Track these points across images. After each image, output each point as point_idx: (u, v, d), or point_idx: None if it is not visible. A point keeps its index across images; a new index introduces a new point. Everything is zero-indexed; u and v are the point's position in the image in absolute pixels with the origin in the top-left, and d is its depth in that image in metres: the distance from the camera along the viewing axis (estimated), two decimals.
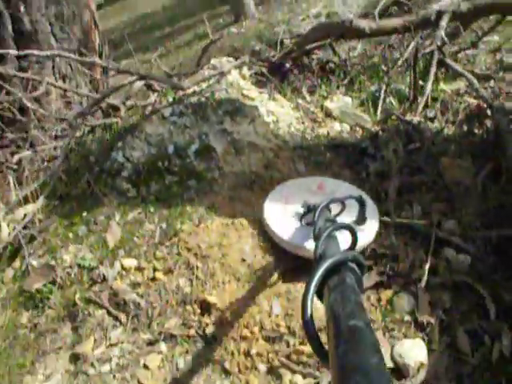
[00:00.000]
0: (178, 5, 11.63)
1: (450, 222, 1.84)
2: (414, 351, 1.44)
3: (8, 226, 2.05)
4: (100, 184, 2.09)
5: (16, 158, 2.39)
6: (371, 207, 1.76)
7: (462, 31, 3.04)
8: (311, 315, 0.79)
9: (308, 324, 0.79)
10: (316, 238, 1.33)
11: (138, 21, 11.62)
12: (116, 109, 2.64)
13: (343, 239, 1.22)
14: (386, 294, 1.62)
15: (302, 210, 1.71)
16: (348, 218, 1.63)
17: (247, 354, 1.49)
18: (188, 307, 1.61)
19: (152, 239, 1.84)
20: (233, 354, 1.50)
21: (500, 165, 2.01)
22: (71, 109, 3.20)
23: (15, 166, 2.41)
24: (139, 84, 2.66)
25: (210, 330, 1.55)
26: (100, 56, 3.51)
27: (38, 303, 1.78)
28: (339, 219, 1.56)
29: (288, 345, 1.48)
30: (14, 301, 1.83)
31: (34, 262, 1.88)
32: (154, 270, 1.72)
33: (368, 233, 1.68)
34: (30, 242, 1.98)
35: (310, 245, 1.59)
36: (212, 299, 1.58)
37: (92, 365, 1.57)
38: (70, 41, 3.37)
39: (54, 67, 3.29)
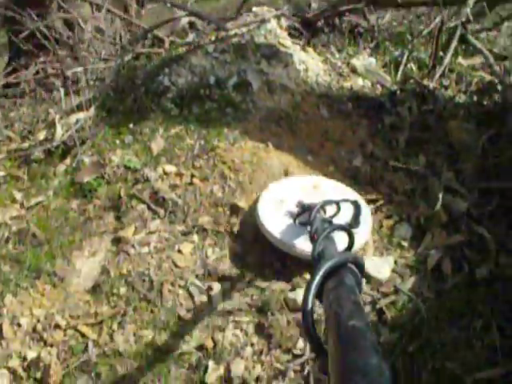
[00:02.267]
0: None
1: (449, 174, 2.11)
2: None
3: (61, 128, 2.31)
4: (146, 101, 2.35)
5: (69, 72, 2.63)
6: (365, 211, 1.78)
7: (487, 12, 3.25)
8: (312, 316, 0.81)
9: (308, 324, 0.81)
10: (313, 239, 1.35)
11: None
12: (161, 40, 2.88)
13: (337, 240, 1.22)
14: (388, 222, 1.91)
15: (296, 210, 1.74)
16: (341, 220, 1.62)
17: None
18: (219, 208, 1.90)
19: (191, 152, 2.12)
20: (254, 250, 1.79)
21: (501, 132, 2.27)
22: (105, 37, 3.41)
23: (67, 80, 2.66)
24: (184, 20, 2.89)
25: (236, 228, 1.84)
26: None
27: (87, 193, 2.06)
28: (334, 221, 1.53)
29: None
30: (65, 190, 2.11)
31: (86, 159, 2.15)
32: (192, 176, 2.01)
33: (361, 236, 1.72)
34: (81, 144, 2.24)
35: (303, 244, 1.65)
36: (241, 204, 1.86)
37: (132, 246, 1.86)
38: None
39: None
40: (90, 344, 1.64)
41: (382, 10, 3.67)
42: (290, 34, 3.12)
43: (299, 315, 1.60)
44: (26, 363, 1.62)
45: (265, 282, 1.72)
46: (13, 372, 1.60)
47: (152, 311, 1.70)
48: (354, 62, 2.86)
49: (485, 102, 2.61)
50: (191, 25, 3.04)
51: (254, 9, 2.98)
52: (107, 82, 2.46)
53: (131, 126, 2.28)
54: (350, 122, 2.39)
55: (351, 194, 1.90)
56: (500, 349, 1.50)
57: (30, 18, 2.85)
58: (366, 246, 1.83)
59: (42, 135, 2.35)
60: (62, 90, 2.56)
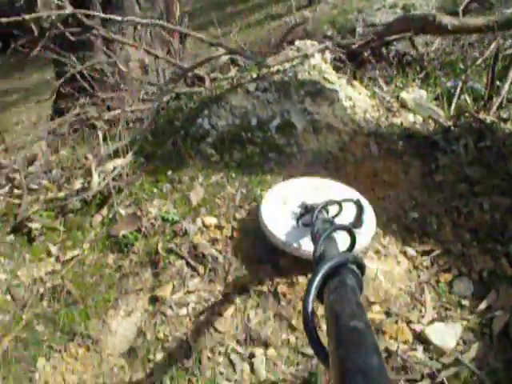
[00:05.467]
0: None
1: None
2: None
3: (98, 176, 2.23)
4: (185, 146, 2.25)
5: (108, 115, 2.57)
6: (368, 211, 1.77)
7: None
8: (312, 316, 0.81)
9: (309, 325, 0.80)
10: (314, 239, 1.35)
11: None
12: (201, 79, 2.80)
13: (340, 240, 1.23)
14: None
15: (299, 211, 1.72)
16: (344, 220, 1.61)
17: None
18: (262, 266, 1.76)
19: (232, 202, 1.99)
20: (300, 312, 1.64)
21: None
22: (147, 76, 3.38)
23: (106, 124, 2.60)
24: (225, 58, 2.80)
25: (280, 289, 1.70)
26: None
27: (123, 248, 1.96)
28: (336, 221, 1.53)
29: None
30: (101, 243, 2.02)
31: (122, 211, 2.06)
32: (233, 229, 1.88)
33: (364, 236, 1.70)
34: (118, 193, 2.15)
35: (306, 245, 1.63)
36: (284, 263, 1.72)
37: (170, 307, 1.74)
38: (153, 10, 3.54)
39: (134, 36, 3.46)
40: None
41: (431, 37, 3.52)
42: (334, 67, 3.00)
43: None
44: None
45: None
46: None
47: (190, 381, 1.57)
48: (404, 95, 2.70)
49: None
50: (232, 61, 2.95)
51: (297, 43, 2.87)
52: (146, 125, 2.37)
53: (169, 173, 2.18)
54: (401, 162, 2.23)
55: (354, 194, 1.86)
56: None
57: (72, 61, 2.83)
58: (425, 305, 1.66)
59: (78, 183, 2.27)
60: (100, 134, 2.50)
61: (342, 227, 1.28)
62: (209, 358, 1.60)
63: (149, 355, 1.65)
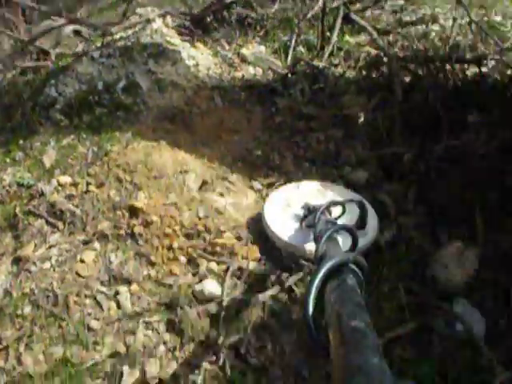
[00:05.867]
0: None
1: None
2: None
3: None
4: (34, 116, 2.29)
5: None
6: (371, 212, 1.75)
7: None
8: (313, 316, 0.83)
9: (310, 324, 0.82)
10: (317, 240, 1.34)
11: None
12: (46, 53, 2.80)
13: (342, 241, 1.26)
14: None
15: (302, 212, 1.73)
16: (347, 222, 1.64)
17: (169, 248, 1.76)
18: (118, 212, 1.86)
19: (85, 160, 2.07)
20: (157, 248, 1.76)
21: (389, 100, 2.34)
22: None
23: None
24: (69, 29, 2.83)
25: (137, 229, 1.81)
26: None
27: None
28: (339, 222, 1.53)
29: (204, 240, 1.76)
30: None
31: None
32: (88, 184, 1.96)
33: (367, 236, 1.69)
34: None
35: (309, 246, 1.62)
36: (139, 204, 1.83)
37: (33, 263, 1.80)
38: None
39: None
40: None
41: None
42: (180, 34, 3.11)
43: (208, 306, 1.60)
44: None
45: (171, 277, 1.70)
46: None
47: (60, 326, 1.64)
48: (244, 51, 2.88)
49: (373, 75, 2.69)
50: (77, 33, 2.97)
51: (138, 10, 2.95)
52: None
53: (21, 142, 2.21)
54: (244, 110, 2.40)
55: (357, 197, 1.82)
56: (407, 307, 1.55)
57: None
58: None
59: None
60: None
61: (344, 228, 1.30)
62: (75, 302, 1.68)
63: (17, 311, 1.70)
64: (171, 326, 1.59)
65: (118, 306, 1.67)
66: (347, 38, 3.08)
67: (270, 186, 2.02)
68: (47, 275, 1.76)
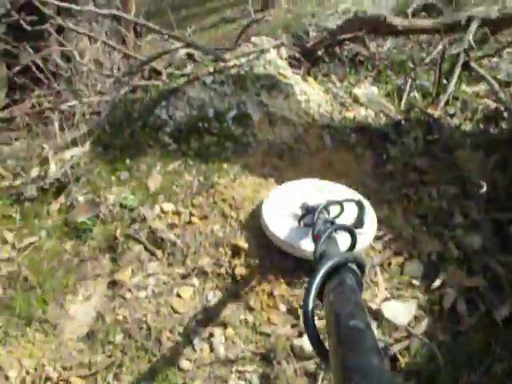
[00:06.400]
0: None
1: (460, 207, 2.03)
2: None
3: (55, 164, 2.23)
4: (143, 136, 2.28)
5: (64, 105, 2.56)
6: (369, 211, 1.79)
7: (489, 38, 3.21)
8: (313, 316, 0.81)
9: (309, 324, 0.81)
10: (315, 239, 1.34)
11: None
12: (158, 73, 2.81)
13: (341, 241, 1.23)
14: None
15: (300, 212, 1.74)
16: (346, 221, 1.62)
17: (270, 294, 1.68)
18: (220, 249, 1.80)
19: (190, 189, 2.03)
20: (257, 293, 1.69)
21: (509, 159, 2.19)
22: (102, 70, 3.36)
23: (62, 114, 2.58)
24: (182, 52, 2.83)
25: (238, 270, 1.74)
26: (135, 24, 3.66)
27: (81, 234, 1.97)
28: (337, 221, 1.51)
29: None
30: (58, 230, 2.02)
31: (80, 198, 2.07)
32: (191, 215, 1.92)
33: (366, 236, 1.73)
34: (76, 181, 2.15)
35: (308, 246, 1.65)
36: (242, 244, 1.77)
37: (129, 290, 1.76)
38: (108, 7, 3.51)
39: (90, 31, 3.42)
40: None
41: (382, 38, 3.62)
42: (290, 65, 3.06)
43: (306, 364, 1.50)
44: None
45: (270, 326, 1.62)
46: None
47: (150, 361, 1.59)
48: (356, 91, 2.79)
49: (491, 130, 2.54)
50: (189, 56, 2.97)
51: (253, 39, 2.92)
52: (103, 116, 2.37)
53: (128, 161, 2.20)
54: (354, 153, 2.31)
55: (356, 196, 1.87)
56: None
57: (27, 51, 2.79)
58: (378, 286, 1.73)
59: (35, 172, 2.26)
60: (56, 125, 2.48)
61: (343, 227, 1.28)
62: (168, 338, 1.63)
63: (108, 337, 1.67)
64: (265, 380, 1.50)
65: (211, 348, 1.60)
66: (464, 87, 2.93)
67: (378, 238, 1.91)
68: (142, 305, 1.72)
